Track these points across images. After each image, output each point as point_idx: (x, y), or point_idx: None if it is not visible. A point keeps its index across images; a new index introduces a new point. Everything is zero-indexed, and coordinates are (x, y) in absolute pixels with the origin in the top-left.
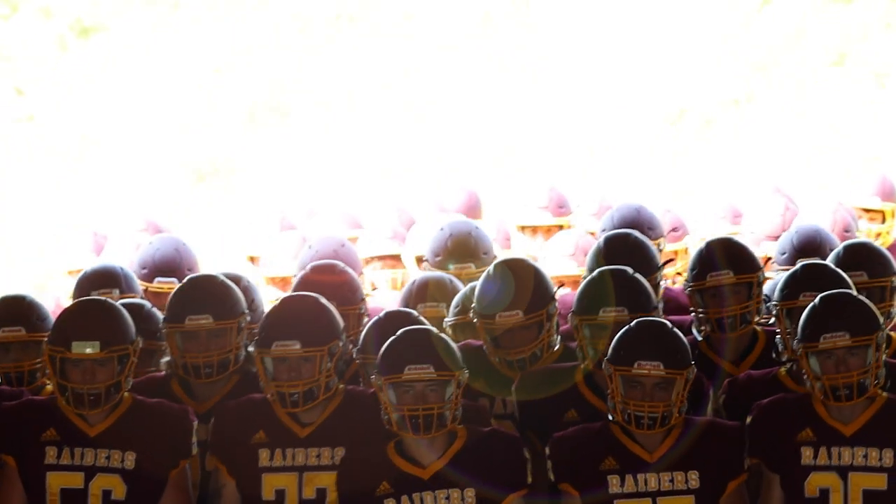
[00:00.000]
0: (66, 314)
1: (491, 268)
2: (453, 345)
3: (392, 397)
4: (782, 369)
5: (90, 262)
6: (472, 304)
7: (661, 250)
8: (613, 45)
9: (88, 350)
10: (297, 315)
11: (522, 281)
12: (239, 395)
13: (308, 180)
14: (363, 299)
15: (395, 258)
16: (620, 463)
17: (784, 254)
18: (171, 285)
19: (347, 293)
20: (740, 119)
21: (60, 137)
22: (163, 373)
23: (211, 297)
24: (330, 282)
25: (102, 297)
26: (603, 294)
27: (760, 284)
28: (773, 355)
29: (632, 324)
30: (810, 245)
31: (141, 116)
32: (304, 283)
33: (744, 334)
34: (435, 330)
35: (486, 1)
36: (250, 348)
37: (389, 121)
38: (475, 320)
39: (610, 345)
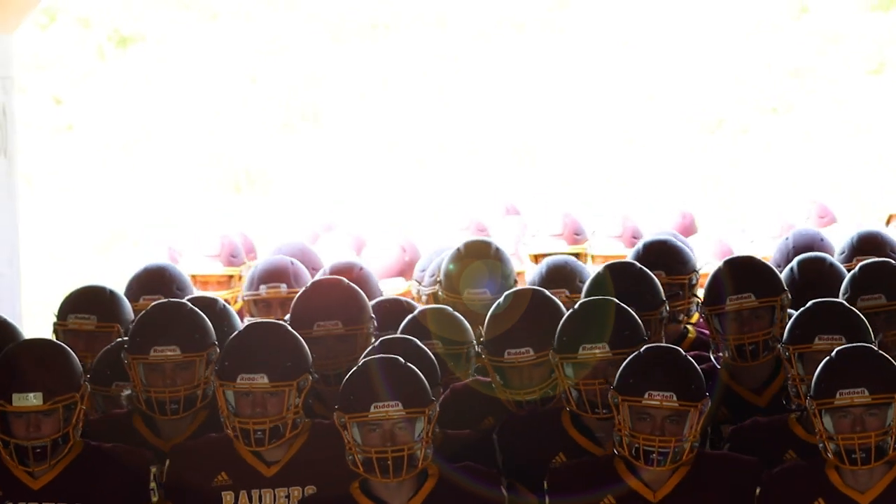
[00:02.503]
0: (5, 360)
1: (502, 298)
2: (421, 376)
3: (357, 437)
4: (793, 416)
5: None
6: (482, 339)
7: (693, 284)
8: (651, 54)
9: (31, 401)
10: (263, 345)
11: (535, 315)
12: (207, 433)
13: (342, 186)
14: (372, 318)
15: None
16: (619, 501)
17: (843, 252)
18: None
19: (354, 311)
20: (778, 127)
21: (99, 146)
22: (124, 409)
23: (178, 326)
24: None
25: (46, 338)
26: (584, 329)
27: (784, 308)
28: (783, 402)
29: (641, 350)
30: (870, 243)
31: (178, 124)
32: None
33: (766, 361)
34: (401, 360)
35: (522, 10)
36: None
37: (423, 125)
38: (483, 356)
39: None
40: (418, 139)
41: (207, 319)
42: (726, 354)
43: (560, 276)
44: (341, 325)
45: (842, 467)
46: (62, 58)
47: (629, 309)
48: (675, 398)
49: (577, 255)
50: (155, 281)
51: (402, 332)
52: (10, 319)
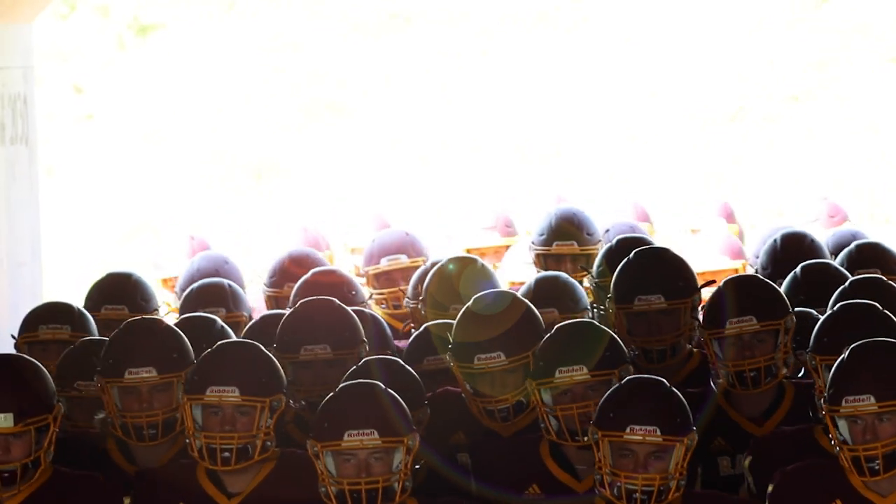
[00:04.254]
0: None
1: (471, 301)
2: (402, 403)
3: (330, 467)
4: (819, 427)
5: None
6: (449, 346)
7: (694, 306)
8: (655, 51)
9: (1, 423)
10: (236, 359)
11: (506, 318)
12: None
13: (363, 177)
14: (363, 341)
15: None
16: None
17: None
18: (119, 313)
19: (344, 334)
20: (799, 116)
21: (119, 135)
22: (96, 430)
23: (154, 345)
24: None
25: (16, 354)
26: (561, 352)
27: (789, 331)
28: (810, 413)
29: (623, 380)
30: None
31: (199, 114)
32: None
33: (768, 389)
34: (381, 385)
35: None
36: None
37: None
38: (451, 364)
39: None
40: (421, 136)
41: (185, 337)
42: (725, 380)
43: (552, 292)
44: (330, 349)
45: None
46: (82, 47)
47: (608, 330)
48: (658, 433)
49: (507, 248)
50: (118, 290)
51: (410, 347)
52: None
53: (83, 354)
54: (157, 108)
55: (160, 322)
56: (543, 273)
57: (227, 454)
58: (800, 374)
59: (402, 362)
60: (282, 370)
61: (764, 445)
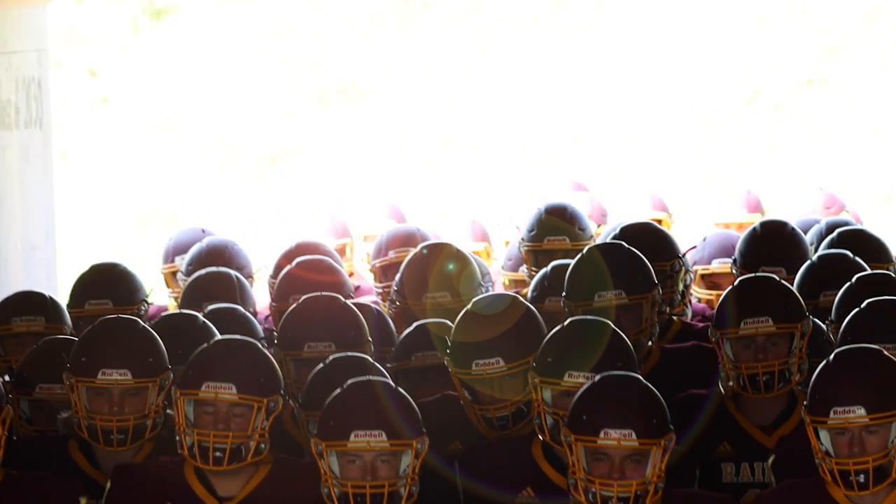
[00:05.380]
0: None
1: (470, 304)
2: (413, 405)
3: (334, 467)
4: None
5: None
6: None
7: (676, 270)
8: (673, 42)
9: None
10: (234, 356)
11: (506, 322)
12: None
13: (378, 163)
14: (369, 340)
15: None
16: None
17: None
18: (103, 308)
19: (349, 331)
20: (813, 100)
21: (134, 118)
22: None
23: (131, 346)
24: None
25: None
26: (572, 353)
27: (805, 336)
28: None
29: (595, 380)
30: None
31: (213, 97)
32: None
33: (781, 395)
34: (391, 383)
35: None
36: (170, 411)
37: (462, 102)
38: (450, 369)
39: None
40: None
41: (160, 342)
42: (735, 384)
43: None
44: (334, 346)
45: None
46: (96, 31)
47: (622, 334)
48: (634, 436)
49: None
50: (103, 282)
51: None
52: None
53: (47, 355)
54: (171, 92)
55: (138, 323)
56: (558, 262)
57: (219, 454)
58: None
59: (374, 362)
60: (280, 371)
61: (789, 444)
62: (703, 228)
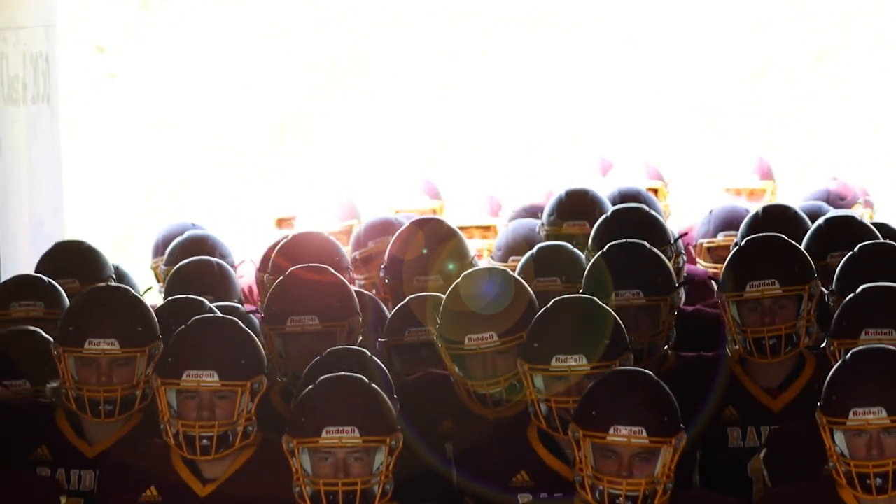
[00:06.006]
0: None
1: (459, 279)
2: (387, 400)
3: (305, 465)
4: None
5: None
6: (437, 326)
7: (669, 257)
8: (684, 26)
9: None
10: (214, 340)
11: (498, 296)
12: (137, 439)
13: (387, 139)
14: (357, 313)
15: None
16: None
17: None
18: (69, 286)
19: (333, 304)
20: (823, 73)
21: (142, 95)
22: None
23: (119, 315)
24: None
25: None
26: (559, 336)
27: (813, 298)
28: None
29: (606, 375)
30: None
31: (222, 73)
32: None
33: (787, 359)
34: (365, 378)
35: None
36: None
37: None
38: (438, 345)
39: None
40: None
41: (151, 309)
42: (742, 348)
43: (555, 261)
44: (318, 320)
45: (858, 496)
46: (104, 6)
47: (612, 311)
48: (644, 433)
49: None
50: (68, 261)
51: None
52: None
53: (11, 349)
54: (179, 66)
55: (127, 291)
56: (545, 243)
57: (206, 442)
58: (822, 346)
59: (370, 354)
60: (262, 348)
61: (782, 438)
62: (713, 195)
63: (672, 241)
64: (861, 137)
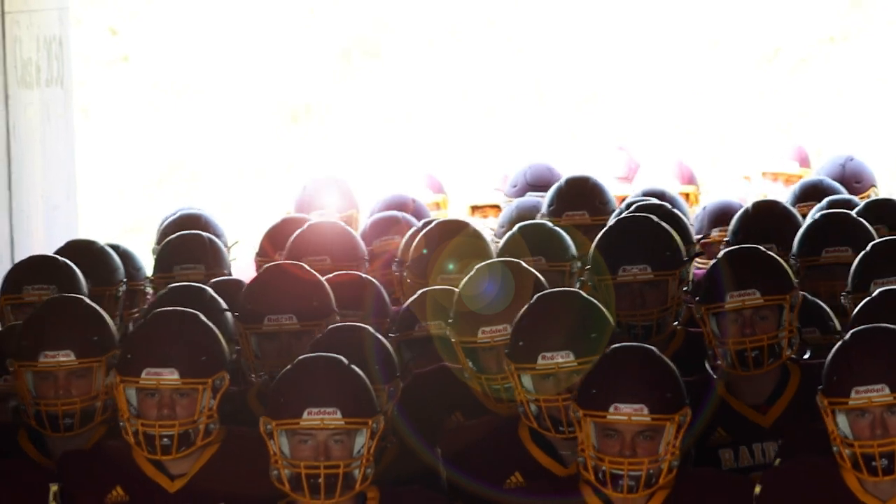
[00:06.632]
0: None
1: (473, 271)
2: (367, 382)
3: (284, 448)
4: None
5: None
6: (449, 318)
7: (691, 243)
8: None
9: None
10: (174, 335)
11: (513, 286)
12: None
13: (400, 122)
14: (335, 311)
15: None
16: None
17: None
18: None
19: (312, 303)
20: (835, 57)
21: (155, 77)
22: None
23: (73, 325)
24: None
25: None
26: (544, 332)
27: (794, 308)
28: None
29: (608, 352)
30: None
31: (235, 55)
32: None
33: (771, 371)
34: (345, 360)
35: None
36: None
37: (485, 61)
38: (452, 339)
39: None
40: (488, 87)
41: (107, 318)
42: (723, 362)
43: (539, 239)
44: (296, 319)
45: (861, 478)
46: None
47: (598, 304)
48: (646, 411)
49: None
50: (80, 262)
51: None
52: None
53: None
54: (192, 48)
55: (81, 300)
56: (526, 223)
57: (166, 441)
58: (805, 356)
59: (373, 330)
60: (225, 343)
61: (779, 476)
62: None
63: (693, 241)
64: (873, 123)
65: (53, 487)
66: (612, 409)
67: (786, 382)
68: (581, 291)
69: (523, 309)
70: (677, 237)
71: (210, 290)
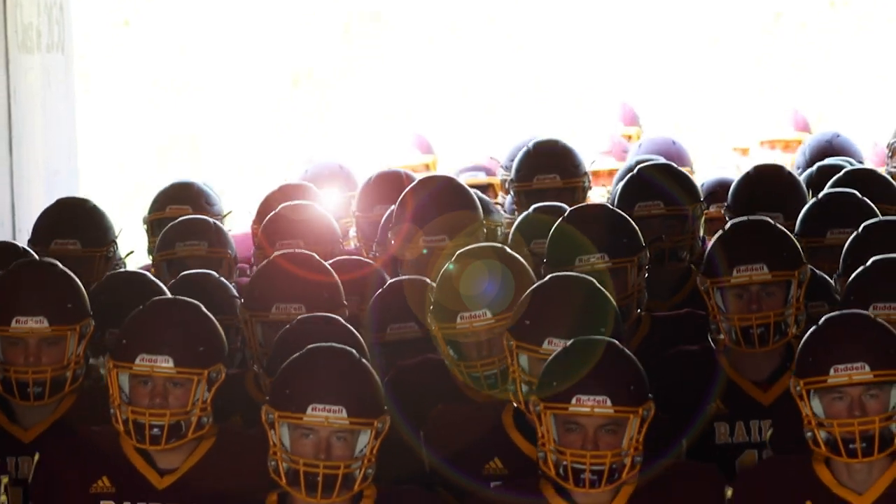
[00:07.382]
0: None
1: (453, 258)
2: (377, 380)
3: (284, 440)
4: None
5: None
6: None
7: (696, 216)
8: None
9: None
10: (172, 323)
11: (491, 273)
12: (74, 421)
13: (403, 91)
14: (344, 304)
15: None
16: None
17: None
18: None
19: (321, 293)
20: (836, 21)
21: (156, 42)
22: None
23: (47, 291)
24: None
25: None
26: (553, 317)
27: (802, 285)
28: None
29: (568, 343)
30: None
31: (237, 21)
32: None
33: (776, 349)
34: (355, 353)
35: None
36: (93, 360)
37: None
38: (431, 327)
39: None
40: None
41: (81, 286)
42: (727, 337)
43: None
44: (305, 309)
45: (836, 460)
46: None
47: (608, 295)
48: (609, 403)
49: (427, 167)
50: (70, 220)
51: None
52: None
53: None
54: (193, 13)
55: (56, 266)
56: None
57: (156, 431)
58: None
59: (345, 323)
60: (223, 335)
61: (751, 477)
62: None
63: (701, 199)
64: (877, 87)
65: (3, 479)
66: (573, 402)
67: (790, 360)
68: (591, 279)
69: (534, 286)
70: (634, 225)
71: (222, 278)
